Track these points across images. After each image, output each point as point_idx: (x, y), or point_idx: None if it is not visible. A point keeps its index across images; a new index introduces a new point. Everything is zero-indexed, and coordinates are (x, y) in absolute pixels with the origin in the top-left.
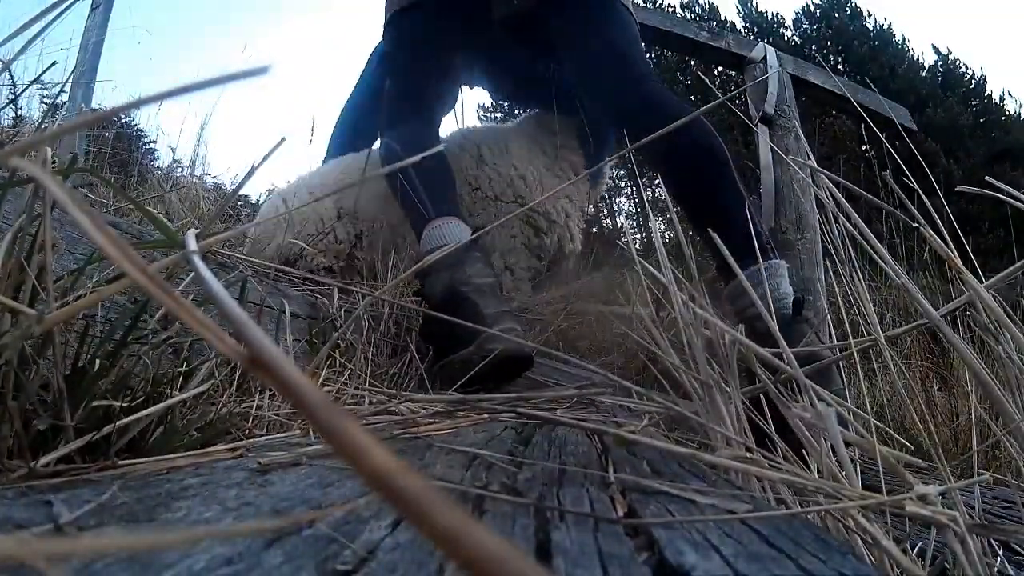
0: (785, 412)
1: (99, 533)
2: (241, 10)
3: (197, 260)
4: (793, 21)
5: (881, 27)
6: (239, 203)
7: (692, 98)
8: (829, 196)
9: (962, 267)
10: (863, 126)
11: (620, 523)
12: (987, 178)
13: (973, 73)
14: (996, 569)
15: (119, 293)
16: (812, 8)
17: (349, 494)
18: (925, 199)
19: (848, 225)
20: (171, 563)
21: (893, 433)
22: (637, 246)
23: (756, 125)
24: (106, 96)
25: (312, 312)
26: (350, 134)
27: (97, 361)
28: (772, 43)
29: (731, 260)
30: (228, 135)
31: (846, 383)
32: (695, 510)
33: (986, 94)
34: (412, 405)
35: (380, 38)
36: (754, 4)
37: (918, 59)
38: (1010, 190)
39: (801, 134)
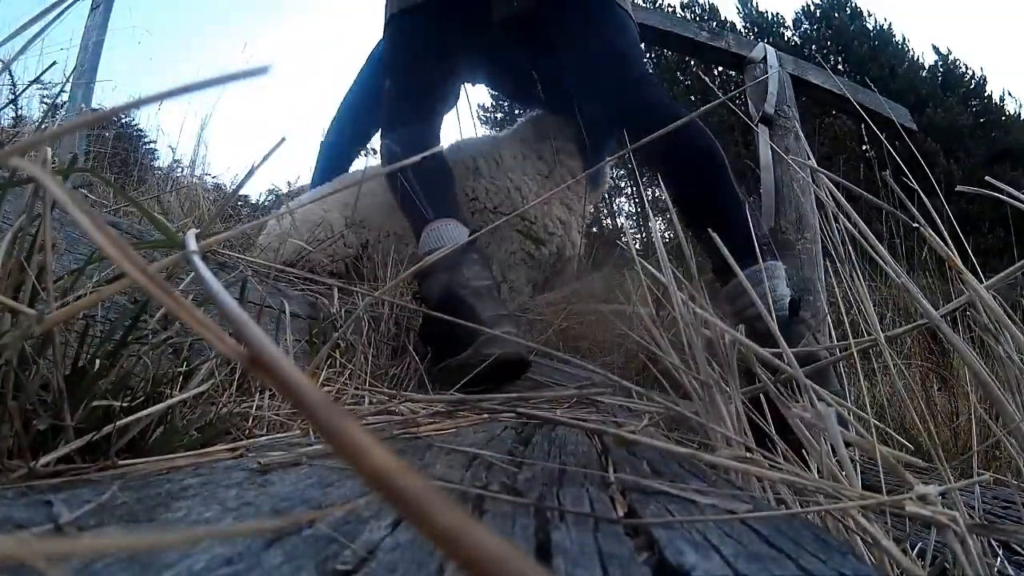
0: (785, 412)
1: (99, 533)
2: (241, 10)
3: (197, 260)
4: (793, 21)
5: (881, 27)
6: (239, 203)
7: (692, 98)
8: (829, 196)
9: (962, 267)
10: (863, 126)
11: (620, 523)
12: (987, 178)
13: (973, 73)
14: (996, 569)
15: (119, 293)
16: (812, 8)
17: (349, 494)
18: (925, 199)
19: (848, 225)
20: (171, 563)
21: (893, 433)
22: (637, 246)
23: (756, 125)
24: (106, 96)
25: (312, 312)
26: (346, 134)
27: (97, 361)
28: (772, 43)
29: (731, 260)
30: (228, 135)
31: (846, 383)
32: (695, 510)
33: (986, 94)
34: (412, 405)
35: (380, 38)
36: (754, 4)
37: (918, 59)
38: (1010, 190)
39: (801, 134)
